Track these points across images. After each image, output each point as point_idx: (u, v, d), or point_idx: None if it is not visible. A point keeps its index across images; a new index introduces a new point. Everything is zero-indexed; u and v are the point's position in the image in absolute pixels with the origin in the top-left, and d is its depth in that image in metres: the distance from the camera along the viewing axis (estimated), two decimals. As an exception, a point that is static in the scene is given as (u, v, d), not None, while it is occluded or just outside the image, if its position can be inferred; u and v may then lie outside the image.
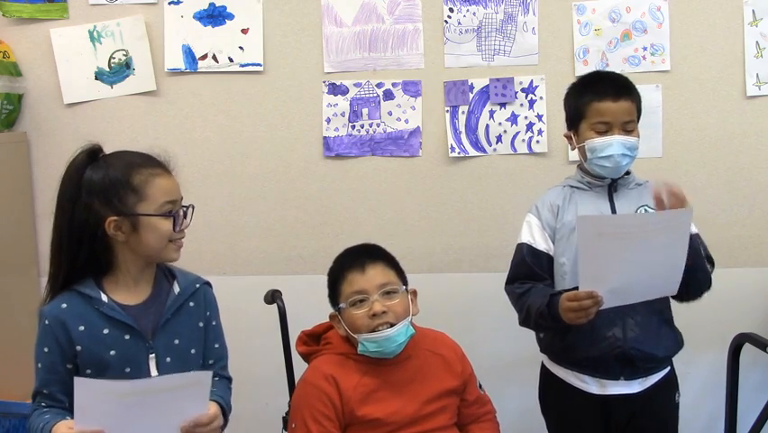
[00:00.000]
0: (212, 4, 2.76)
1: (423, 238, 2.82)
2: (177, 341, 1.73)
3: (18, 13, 2.78)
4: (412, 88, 2.76)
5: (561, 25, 2.72)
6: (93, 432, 1.48)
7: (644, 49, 2.71)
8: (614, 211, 2.06)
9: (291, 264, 2.84)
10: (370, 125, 2.79)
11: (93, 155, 1.69)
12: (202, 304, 1.80)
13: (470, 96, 2.76)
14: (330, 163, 2.81)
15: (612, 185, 2.08)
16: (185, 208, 1.72)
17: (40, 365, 1.66)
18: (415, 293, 1.99)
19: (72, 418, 1.57)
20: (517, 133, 2.76)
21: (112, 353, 1.66)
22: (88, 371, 1.65)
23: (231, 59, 2.78)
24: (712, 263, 2.06)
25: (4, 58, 2.71)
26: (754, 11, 2.69)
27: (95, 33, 2.79)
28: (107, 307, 1.67)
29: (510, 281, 2.12)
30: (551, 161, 2.76)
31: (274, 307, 2.30)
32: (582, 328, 1.95)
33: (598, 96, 2.02)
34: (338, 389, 1.87)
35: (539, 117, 2.75)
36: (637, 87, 2.09)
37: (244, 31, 2.77)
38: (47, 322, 1.65)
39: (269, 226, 2.84)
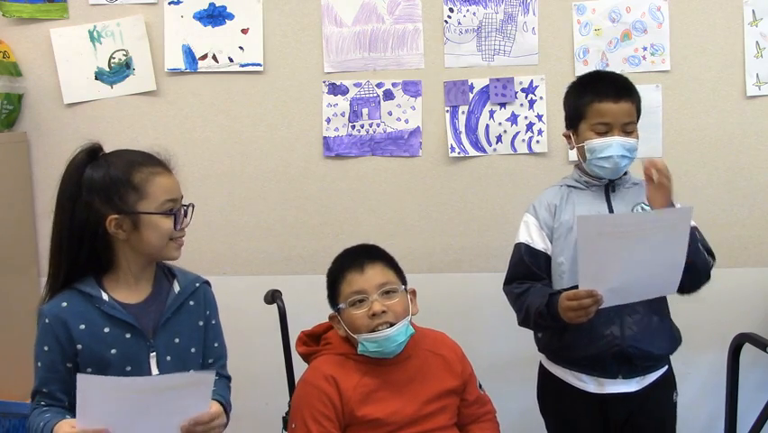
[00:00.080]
0: (212, 4, 2.76)
1: (423, 238, 2.82)
2: (177, 340, 1.73)
3: (18, 13, 2.78)
4: (412, 88, 2.77)
5: (561, 25, 2.73)
6: (95, 431, 1.48)
7: (644, 49, 2.71)
8: (611, 210, 2.06)
9: (291, 264, 2.84)
10: (370, 125, 2.79)
11: (93, 154, 1.69)
12: (202, 303, 1.80)
13: (470, 96, 2.76)
14: (330, 163, 2.81)
15: (609, 184, 2.08)
16: (185, 207, 1.72)
17: (39, 364, 1.66)
18: (414, 293, 1.99)
19: (72, 417, 1.57)
20: (517, 133, 2.76)
21: (113, 351, 1.66)
22: (89, 370, 1.64)
23: (231, 60, 2.78)
24: (713, 256, 2.05)
25: (4, 58, 2.71)
26: (754, 11, 2.69)
27: (95, 33, 2.79)
28: (108, 305, 1.66)
29: (508, 281, 2.12)
30: (551, 161, 2.76)
31: (274, 307, 2.30)
32: (580, 327, 1.95)
33: (599, 97, 2.02)
34: (338, 389, 1.87)
35: (539, 117, 2.75)
36: (637, 87, 2.09)
37: (244, 31, 2.77)
38: (47, 321, 1.64)
39: (269, 226, 2.84)
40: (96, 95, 2.81)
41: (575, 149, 2.10)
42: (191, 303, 1.78)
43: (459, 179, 2.79)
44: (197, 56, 2.78)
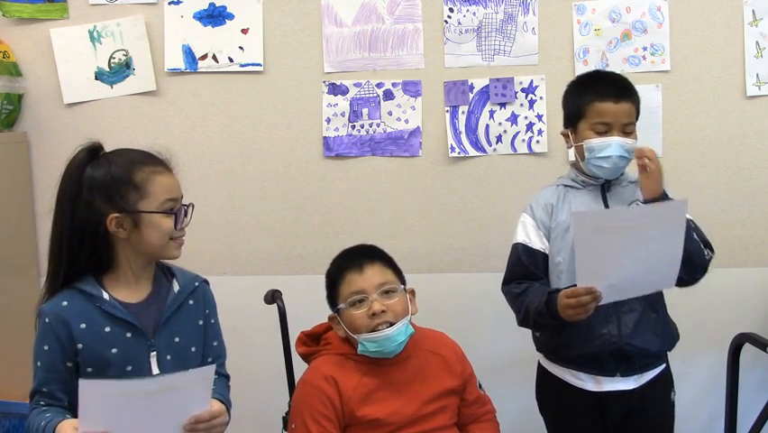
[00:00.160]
0: (212, 4, 2.76)
1: (423, 238, 2.82)
2: (177, 339, 1.73)
3: (18, 13, 2.78)
4: (412, 88, 2.77)
5: (561, 25, 2.73)
6: None
7: (644, 49, 2.71)
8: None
9: (291, 264, 2.84)
10: (370, 125, 2.79)
11: (93, 153, 1.69)
12: (201, 302, 1.81)
13: (470, 96, 2.76)
14: (330, 163, 2.81)
15: (605, 184, 2.08)
16: (185, 207, 1.72)
17: (39, 364, 1.65)
18: (413, 292, 1.99)
19: (72, 416, 1.57)
20: (517, 133, 2.76)
21: (113, 351, 1.66)
22: (89, 369, 1.64)
23: (231, 60, 2.78)
24: (711, 249, 2.05)
25: (4, 58, 2.71)
26: (754, 11, 2.69)
27: (95, 33, 2.79)
28: (109, 304, 1.66)
29: (507, 282, 2.12)
30: (551, 161, 2.76)
31: (274, 307, 2.30)
32: (577, 326, 1.95)
33: (600, 97, 2.01)
34: (338, 389, 1.86)
35: (539, 117, 2.75)
36: (637, 87, 2.09)
37: (244, 31, 2.77)
38: (47, 320, 1.64)
39: (269, 226, 2.84)
40: (96, 95, 2.81)
41: (573, 148, 2.10)
42: (191, 302, 1.78)
43: (459, 179, 2.79)
44: (197, 56, 2.78)
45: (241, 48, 2.77)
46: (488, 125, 2.76)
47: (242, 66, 2.78)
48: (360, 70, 2.77)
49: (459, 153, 2.77)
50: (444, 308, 2.66)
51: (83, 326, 1.65)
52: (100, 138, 1.75)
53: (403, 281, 1.97)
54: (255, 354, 2.63)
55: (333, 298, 1.96)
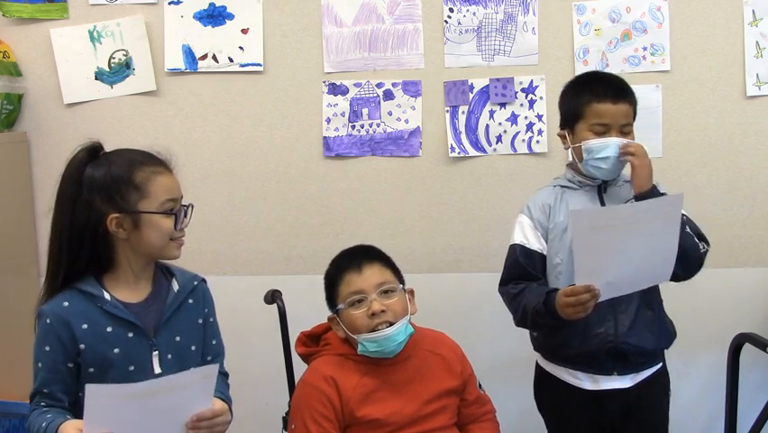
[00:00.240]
0: (212, 4, 2.77)
1: (423, 238, 2.82)
2: (178, 338, 1.73)
3: (18, 13, 2.78)
4: (412, 88, 2.77)
5: (561, 25, 2.73)
6: None
7: (644, 49, 2.71)
8: None
9: (291, 264, 2.84)
10: (370, 125, 2.79)
11: (93, 153, 1.69)
12: (200, 301, 1.81)
13: (470, 96, 2.76)
14: (330, 163, 2.81)
15: (602, 184, 2.09)
16: (185, 207, 1.72)
17: (40, 365, 1.64)
18: (412, 292, 1.99)
19: (73, 417, 1.57)
20: (517, 133, 2.76)
21: (116, 351, 1.66)
22: (91, 369, 1.64)
23: (231, 59, 2.78)
24: (706, 242, 2.04)
25: (4, 58, 2.71)
26: (754, 11, 2.69)
27: (95, 33, 2.79)
28: (110, 304, 1.66)
29: (504, 283, 2.12)
30: (551, 161, 2.76)
31: (274, 307, 2.30)
32: (574, 325, 1.95)
33: (598, 98, 2.02)
34: (338, 390, 1.86)
35: (539, 117, 2.75)
36: (637, 87, 2.11)
37: (244, 31, 2.77)
38: (48, 321, 1.64)
39: (269, 226, 2.85)
40: (96, 95, 2.81)
41: (570, 149, 2.10)
42: (190, 301, 1.78)
43: (459, 179, 2.79)
44: (197, 56, 2.78)
45: (241, 48, 2.77)
46: (488, 125, 2.76)
47: (242, 66, 2.78)
48: (360, 70, 2.77)
49: (459, 153, 2.77)
50: (444, 308, 2.66)
51: (85, 326, 1.64)
52: (100, 138, 1.74)
53: (402, 281, 1.97)
54: (255, 354, 2.63)
55: (332, 298, 1.96)
